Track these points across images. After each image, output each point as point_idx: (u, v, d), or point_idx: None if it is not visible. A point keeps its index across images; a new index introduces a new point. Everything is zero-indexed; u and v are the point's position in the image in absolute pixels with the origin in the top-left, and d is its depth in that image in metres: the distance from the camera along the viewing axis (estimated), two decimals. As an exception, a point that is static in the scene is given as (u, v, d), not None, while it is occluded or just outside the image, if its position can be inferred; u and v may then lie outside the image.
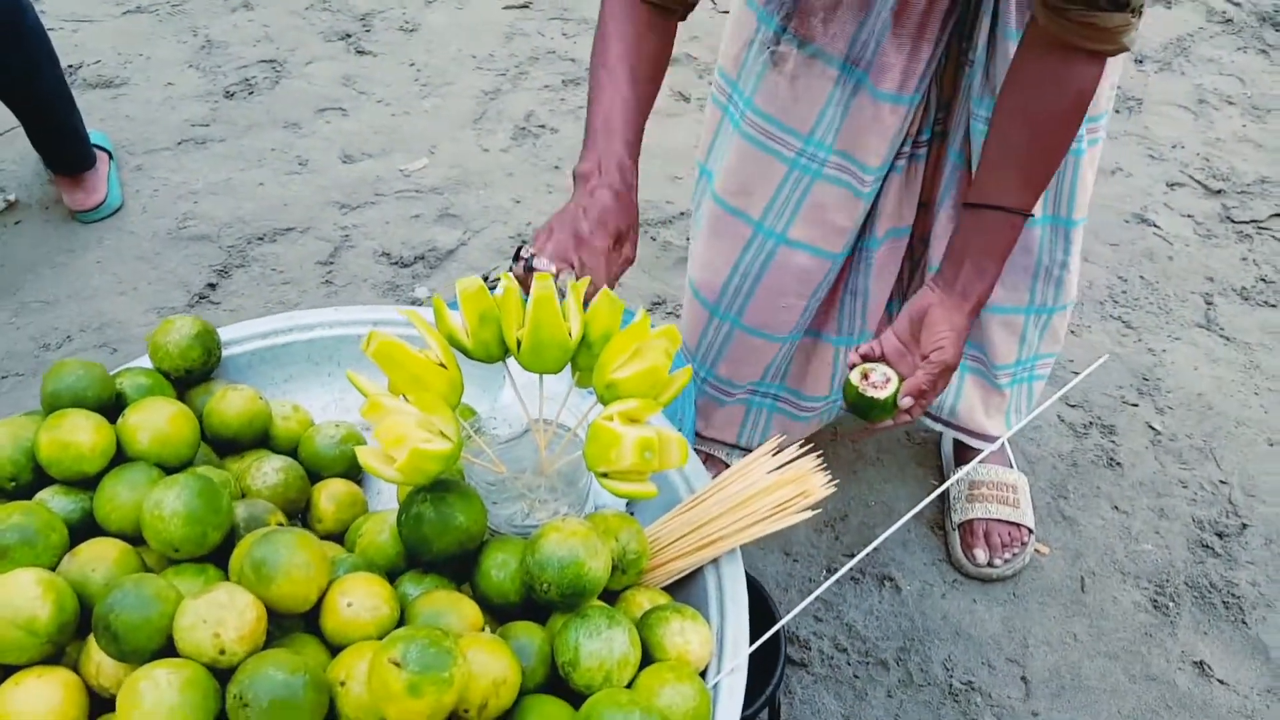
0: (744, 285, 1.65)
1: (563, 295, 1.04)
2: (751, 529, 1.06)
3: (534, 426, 1.09)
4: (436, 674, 0.82)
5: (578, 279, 1.09)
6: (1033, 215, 1.54)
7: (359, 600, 0.93)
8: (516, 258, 1.13)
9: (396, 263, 2.49)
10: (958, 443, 2.00)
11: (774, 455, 1.10)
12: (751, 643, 1.01)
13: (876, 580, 1.88)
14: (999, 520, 1.89)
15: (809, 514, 1.04)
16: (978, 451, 1.94)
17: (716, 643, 1.01)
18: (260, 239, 2.54)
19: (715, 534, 1.07)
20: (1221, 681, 1.74)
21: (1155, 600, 1.85)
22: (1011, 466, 1.99)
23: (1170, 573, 1.89)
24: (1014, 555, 1.87)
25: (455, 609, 0.96)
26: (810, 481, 1.05)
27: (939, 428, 1.90)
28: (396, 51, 3.20)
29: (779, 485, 1.06)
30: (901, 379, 1.21)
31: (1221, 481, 2.04)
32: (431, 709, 0.82)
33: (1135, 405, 2.19)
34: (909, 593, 1.86)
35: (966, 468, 1.31)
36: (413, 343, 1.02)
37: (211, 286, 2.41)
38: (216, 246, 2.51)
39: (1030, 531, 1.90)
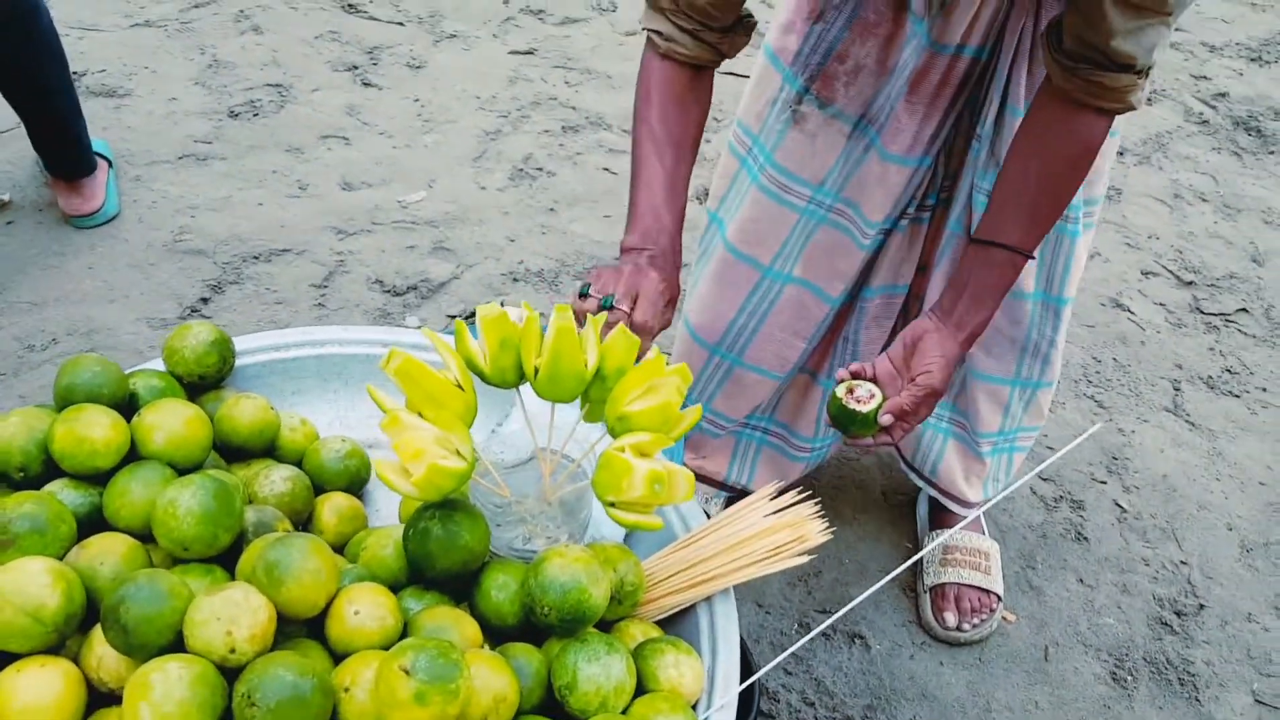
0: (749, 324, 1.69)
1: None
2: (746, 570, 1.08)
3: (540, 454, 1.12)
4: (444, 684, 0.84)
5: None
6: (1026, 290, 1.61)
7: (366, 610, 0.95)
8: (583, 295, 1.16)
9: (389, 291, 2.52)
10: (933, 506, 2.04)
11: (772, 500, 1.13)
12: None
13: (847, 638, 1.90)
14: (970, 586, 1.92)
15: (805, 559, 1.07)
16: (953, 515, 1.98)
17: (707, 679, 1.04)
18: (255, 258, 2.55)
19: (710, 573, 1.09)
20: (1176, 758, 1.77)
21: (1114, 673, 1.89)
22: (984, 533, 2.03)
23: (1130, 647, 1.93)
24: (982, 621, 1.90)
25: (457, 625, 0.98)
26: (807, 527, 1.08)
27: (920, 482, 1.94)
28: (401, 86, 3.24)
29: (776, 529, 1.09)
30: (886, 399, 1.24)
31: (1182, 562, 2.10)
32: (435, 718, 0.84)
33: (1104, 483, 2.25)
34: (878, 652, 1.89)
35: (946, 534, 1.35)
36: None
37: (204, 301, 2.42)
38: (211, 261, 2.52)
39: (999, 598, 1.93)
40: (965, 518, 1.97)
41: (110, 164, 2.66)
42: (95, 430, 1.04)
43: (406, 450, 0.96)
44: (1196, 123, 3.50)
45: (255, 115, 3.03)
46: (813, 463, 1.91)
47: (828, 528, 1.09)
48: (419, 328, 2.43)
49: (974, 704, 1.83)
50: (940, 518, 2.03)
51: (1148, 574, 2.07)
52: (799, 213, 1.58)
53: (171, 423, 1.08)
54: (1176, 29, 3.17)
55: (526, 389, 1.10)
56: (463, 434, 0.99)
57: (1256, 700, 1.85)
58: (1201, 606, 2.01)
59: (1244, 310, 2.73)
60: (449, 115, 3.16)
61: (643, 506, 1.00)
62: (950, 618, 1.90)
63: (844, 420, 1.23)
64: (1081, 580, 2.05)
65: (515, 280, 2.59)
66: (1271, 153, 3.37)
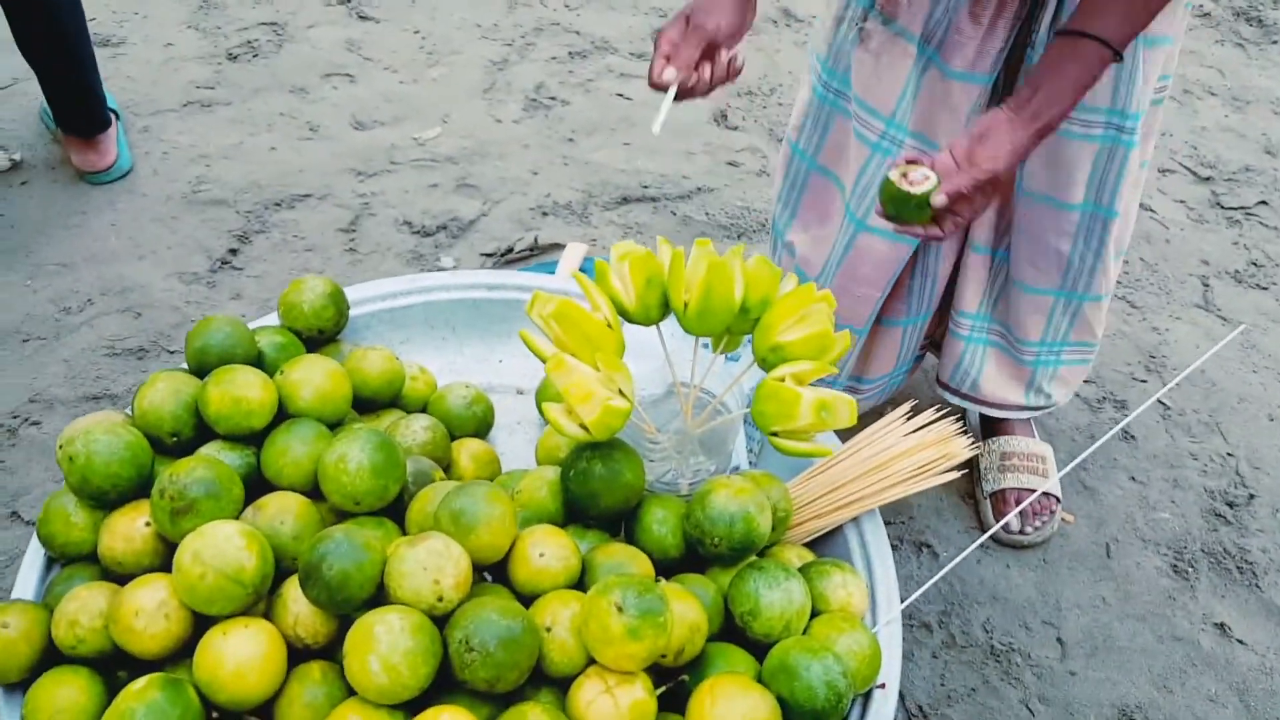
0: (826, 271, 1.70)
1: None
2: (892, 490, 1.11)
3: (678, 390, 1.12)
4: (654, 618, 0.86)
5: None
6: (1074, 201, 1.61)
7: (550, 551, 0.96)
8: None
9: (419, 231, 2.48)
10: (984, 415, 2.06)
11: (908, 420, 1.15)
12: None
13: (914, 547, 1.95)
14: (1029, 490, 1.96)
15: (954, 475, 1.09)
16: (1007, 422, 2.01)
17: (869, 597, 1.06)
18: (278, 205, 2.51)
19: (854, 495, 1.11)
20: (1241, 641, 1.84)
21: (1175, 565, 1.95)
22: (1035, 437, 2.06)
23: (1187, 539, 2.00)
24: (1044, 523, 1.95)
25: (633, 561, 0.99)
26: (952, 444, 1.10)
27: (958, 402, 1.93)
28: (399, 18, 3.16)
29: (919, 448, 1.11)
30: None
31: (1229, 454, 2.15)
32: (648, 651, 0.86)
33: (1144, 381, 2.29)
34: (946, 559, 1.93)
35: (1009, 515, 1.42)
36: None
37: (233, 252, 2.38)
38: (234, 211, 2.48)
39: (1058, 500, 1.98)
40: (1018, 421, 2.01)
41: (118, 116, 2.58)
42: (250, 391, 1.03)
43: (578, 393, 0.96)
44: (1198, 15, 3.50)
45: (255, 56, 2.95)
46: (879, 397, 1.92)
47: (972, 443, 1.11)
48: (454, 268, 2.41)
49: (1044, 603, 1.88)
50: (993, 425, 2.06)
51: (1196, 468, 2.12)
52: (870, 147, 1.56)
53: (316, 378, 1.07)
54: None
55: (664, 326, 1.10)
56: (625, 373, 1.00)
57: (1314, 582, 1.93)
58: (1252, 496, 2.07)
59: (1263, 203, 2.77)
60: (452, 46, 3.09)
61: (804, 435, 1.01)
62: (1013, 522, 1.94)
63: (897, 203, 1.15)
64: (1133, 478, 2.10)
65: (545, 214, 2.57)
66: (1275, 42, 3.38)
